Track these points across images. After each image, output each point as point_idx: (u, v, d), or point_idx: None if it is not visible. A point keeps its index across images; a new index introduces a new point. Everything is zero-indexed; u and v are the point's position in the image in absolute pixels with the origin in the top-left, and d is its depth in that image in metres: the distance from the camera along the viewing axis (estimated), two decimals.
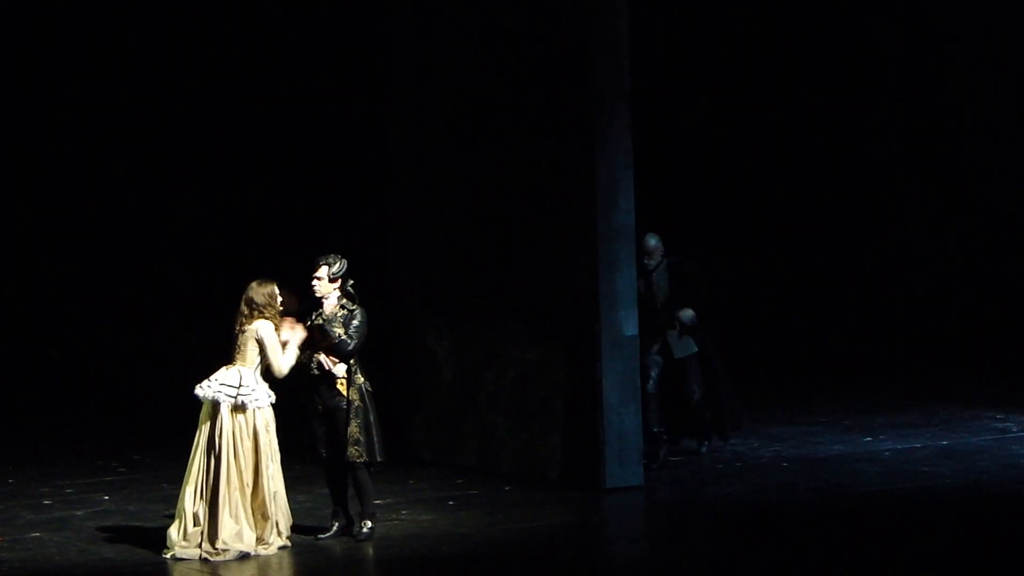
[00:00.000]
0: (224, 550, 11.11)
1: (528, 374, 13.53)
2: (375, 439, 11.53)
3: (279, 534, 11.31)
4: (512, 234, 13.72)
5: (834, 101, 20.26)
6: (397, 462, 12.74)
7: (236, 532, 11.14)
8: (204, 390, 11.26)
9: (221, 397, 11.20)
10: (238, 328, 11.28)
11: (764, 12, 19.93)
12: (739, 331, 19.05)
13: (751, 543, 11.51)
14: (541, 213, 13.45)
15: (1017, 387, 17.29)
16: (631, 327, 13.00)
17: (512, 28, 13.68)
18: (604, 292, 12.94)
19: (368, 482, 11.60)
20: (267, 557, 11.20)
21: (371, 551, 11.39)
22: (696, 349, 13.77)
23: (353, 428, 11.48)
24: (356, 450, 11.50)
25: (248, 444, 11.18)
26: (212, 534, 11.12)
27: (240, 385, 11.19)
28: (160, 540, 11.39)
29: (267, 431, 11.27)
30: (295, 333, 11.36)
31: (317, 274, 11.57)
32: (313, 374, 11.54)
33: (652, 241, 13.57)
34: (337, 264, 11.58)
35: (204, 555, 11.14)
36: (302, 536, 11.69)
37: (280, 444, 11.49)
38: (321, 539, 11.67)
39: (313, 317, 11.56)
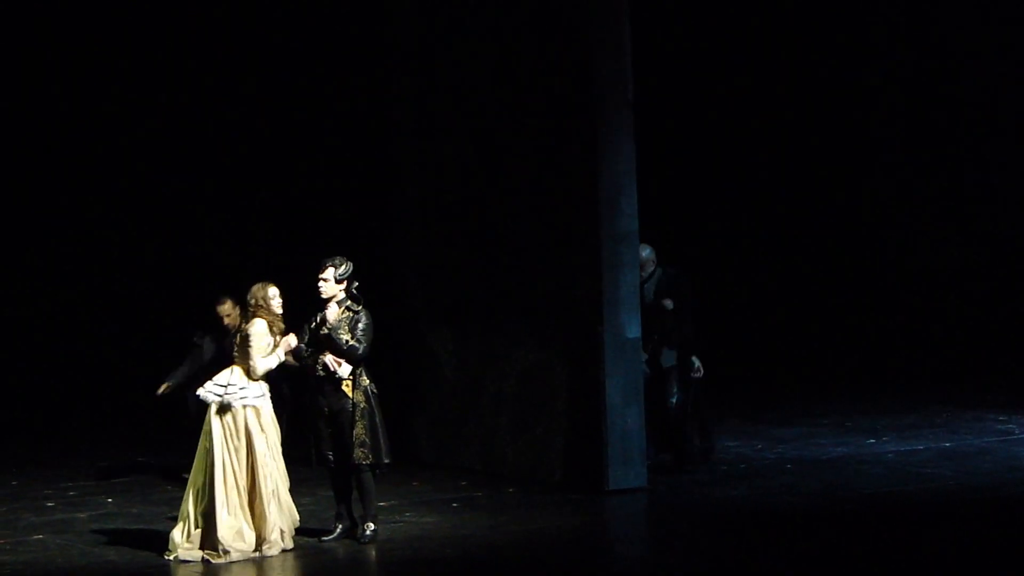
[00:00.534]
0: (225, 552, 11.10)
1: (531, 376, 13.53)
2: (381, 441, 11.53)
3: (281, 534, 11.29)
4: (516, 237, 13.72)
5: (838, 105, 20.26)
6: (400, 464, 12.72)
7: (235, 532, 11.12)
8: (201, 390, 11.31)
9: (211, 397, 11.23)
10: (239, 327, 11.36)
11: (765, 17, 19.93)
12: (742, 333, 19.08)
13: (755, 545, 11.50)
14: (544, 216, 13.45)
15: (1020, 389, 17.30)
16: (634, 329, 13.01)
17: (516, 34, 13.69)
18: (607, 295, 12.94)
19: (372, 484, 11.60)
20: (270, 559, 11.19)
21: (374, 553, 11.39)
22: (674, 363, 13.64)
23: (359, 430, 11.48)
24: (362, 452, 11.50)
25: (240, 443, 11.17)
26: (212, 536, 11.11)
27: (228, 384, 11.20)
28: (163, 542, 11.38)
29: (262, 430, 11.24)
30: (287, 340, 11.37)
31: (323, 275, 11.58)
32: (318, 376, 11.55)
33: (644, 252, 13.50)
34: (343, 266, 11.60)
35: (206, 557, 11.13)
36: (305, 538, 11.69)
37: (285, 446, 11.51)
38: (324, 541, 11.66)
39: (317, 318, 11.57)
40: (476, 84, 14.06)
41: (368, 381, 11.59)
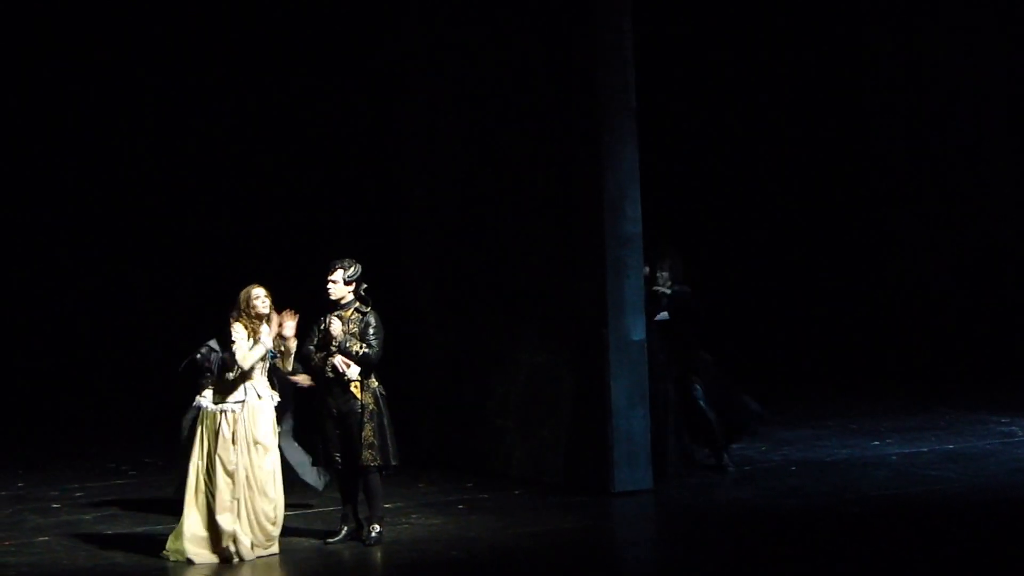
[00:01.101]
0: (215, 553, 11.11)
1: (537, 378, 13.55)
2: (389, 443, 11.54)
3: (264, 538, 11.24)
4: (521, 241, 13.74)
5: (841, 108, 20.27)
6: (407, 466, 12.74)
7: (197, 537, 11.11)
8: (198, 396, 11.34)
9: (203, 403, 11.23)
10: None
11: (768, 22, 19.94)
12: (747, 335, 19.06)
13: (760, 546, 11.50)
14: (549, 220, 13.47)
15: (1023, 391, 17.32)
16: (638, 332, 13.03)
17: (521, 39, 13.72)
18: (612, 298, 12.96)
19: (379, 486, 11.61)
20: (274, 561, 11.21)
21: (380, 555, 11.39)
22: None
23: (368, 432, 11.49)
24: (371, 454, 11.51)
25: (228, 446, 11.15)
26: (207, 538, 11.12)
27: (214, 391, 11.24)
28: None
29: (251, 433, 11.20)
30: (274, 323, 11.34)
31: (332, 277, 11.60)
32: (327, 377, 11.56)
33: (665, 273, 13.61)
34: (352, 268, 11.62)
35: (196, 559, 11.12)
36: (310, 540, 11.71)
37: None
38: (330, 543, 11.67)
39: (327, 320, 11.58)
40: (481, 88, 14.08)
41: (376, 383, 11.60)
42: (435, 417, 14.58)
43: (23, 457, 15.38)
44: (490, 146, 14.02)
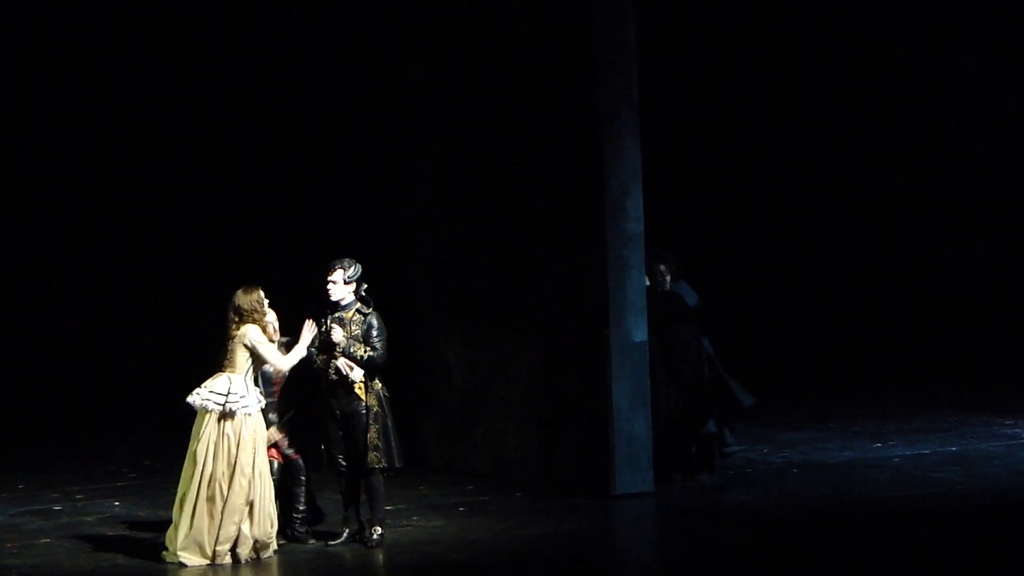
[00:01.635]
0: (204, 557, 11.08)
1: (538, 380, 13.52)
2: (393, 445, 11.53)
3: (255, 543, 11.22)
4: (523, 241, 13.71)
5: (842, 106, 20.25)
6: (408, 468, 12.71)
7: (193, 539, 11.07)
8: (195, 398, 11.25)
9: (210, 405, 11.18)
10: (228, 336, 11.26)
11: (772, 20, 19.92)
12: (749, 337, 19.03)
13: (761, 549, 11.47)
14: (552, 220, 13.44)
15: None
16: (640, 333, 12.99)
17: (523, 37, 13.69)
18: (614, 298, 12.93)
19: (381, 488, 11.59)
20: (275, 562, 11.20)
21: (381, 557, 11.37)
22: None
23: (372, 434, 11.48)
24: (375, 455, 11.50)
25: (232, 451, 11.14)
26: (186, 540, 11.09)
27: (228, 392, 11.17)
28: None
29: (253, 439, 11.20)
30: (307, 331, 11.35)
31: (331, 277, 11.57)
32: (331, 379, 11.54)
33: (661, 267, 13.55)
34: (352, 268, 11.59)
35: (188, 561, 11.10)
36: (312, 541, 11.70)
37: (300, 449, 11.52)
38: (332, 545, 11.64)
39: (327, 320, 11.55)
40: (484, 87, 14.05)
41: (380, 385, 11.59)
42: (436, 419, 14.55)
43: (24, 459, 15.38)
44: (491, 145, 13.99)
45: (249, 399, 11.23)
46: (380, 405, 11.51)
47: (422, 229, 14.76)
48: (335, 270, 11.57)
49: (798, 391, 18.28)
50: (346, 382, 11.48)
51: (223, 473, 11.11)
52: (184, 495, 11.19)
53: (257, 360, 11.25)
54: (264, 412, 11.44)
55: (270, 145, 17.98)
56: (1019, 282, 19.32)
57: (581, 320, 13.15)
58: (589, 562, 11.32)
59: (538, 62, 13.54)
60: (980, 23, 19.52)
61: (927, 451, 14.57)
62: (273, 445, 11.59)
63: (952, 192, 19.83)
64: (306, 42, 17.93)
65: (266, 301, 11.34)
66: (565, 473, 13.31)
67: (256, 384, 11.35)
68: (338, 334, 11.47)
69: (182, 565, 11.09)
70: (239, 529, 11.12)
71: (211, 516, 11.10)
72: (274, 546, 11.34)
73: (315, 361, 11.54)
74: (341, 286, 11.55)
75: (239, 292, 11.30)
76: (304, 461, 11.75)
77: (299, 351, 11.32)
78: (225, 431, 11.15)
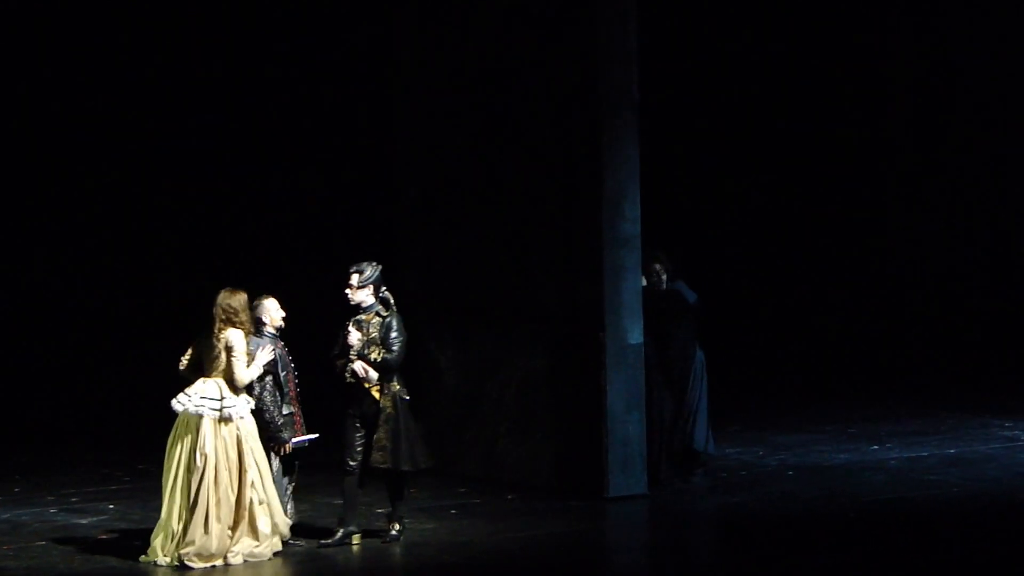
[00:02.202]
0: (210, 560, 11.07)
1: (532, 382, 13.49)
2: (403, 447, 11.54)
3: (262, 541, 11.22)
4: (518, 242, 13.68)
5: (845, 108, 20.21)
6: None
7: (204, 545, 11.06)
8: (184, 404, 11.22)
9: (204, 411, 11.15)
10: (214, 338, 11.23)
11: (773, 20, 19.89)
12: (745, 338, 19.01)
13: (756, 552, 11.43)
14: (547, 221, 13.41)
15: None
16: (636, 335, 12.96)
17: (519, 35, 13.65)
18: (609, 300, 12.90)
19: (402, 488, 11.69)
20: (265, 563, 11.19)
21: (372, 559, 11.36)
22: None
23: (380, 434, 11.52)
24: (380, 455, 11.53)
25: (233, 455, 11.15)
26: (192, 545, 11.06)
27: (223, 397, 11.17)
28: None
29: (248, 441, 11.20)
30: (266, 353, 11.33)
31: (350, 282, 11.64)
32: (348, 382, 11.58)
33: (656, 266, 13.53)
34: (368, 270, 11.63)
35: (188, 563, 11.08)
36: (311, 540, 11.72)
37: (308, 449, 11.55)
38: (323, 544, 11.63)
39: (349, 324, 11.60)
40: (479, 86, 14.01)
41: (399, 387, 11.62)
42: (427, 421, 14.51)
43: (20, 462, 15.35)
44: (485, 145, 13.95)
45: (240, 403, 11.22)
46: (394, 407, 11.54)
47: (415, 230, 14.72)
48: (351, 275, 11.64)
49: (794, 393, 18.24)
50: (362, 385, 11.51)
51: (227, 478, 11.09)
52: (180, 500, 11.15)
53: (225, 362, 11.17)
54: (281, 426, 11.39)
55: (260, 145, 17.95)
56: (1017, 284, 19.27)
57: (576, 322, 13.12)
58: (582, 565, 11.30)
59: (535, 58, 13.49)
60: (982, 24, 19.47)
61: (924, 453, 14.54)
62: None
63: (951, 193, 19.78)
64: (298, 42, 17.89)
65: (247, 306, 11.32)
66: (558, 475, 13.27)
67: (276, 399, 11.34)
68: (354, 337, 11.53)
69: (182, 568, 11.06)
70: (257, 528, 11.14)
71: (220, 523, 11.06)
72: (278, 544, 11.34)
73: (335, 365, 11.60)
74: (357, 290, 11.60)
75: (224, 293, 11.25)
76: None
77: (253, 371, 11.24)
78: (224, 435, 11.13)
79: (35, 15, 17.54)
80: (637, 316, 13.00)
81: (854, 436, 15.46)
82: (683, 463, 13.51)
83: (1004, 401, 16.93)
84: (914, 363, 19.29)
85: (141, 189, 17.93)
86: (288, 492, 11.70)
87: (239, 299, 11.24)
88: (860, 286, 20.15)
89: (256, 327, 11.49)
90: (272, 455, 11.48)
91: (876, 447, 14.90)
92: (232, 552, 11.14)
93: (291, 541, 11.58)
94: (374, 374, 11.50)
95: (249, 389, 11.32)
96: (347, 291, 11.61)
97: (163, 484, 11.29)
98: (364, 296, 11.60)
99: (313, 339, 12.54)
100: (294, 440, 11.54)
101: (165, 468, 11.29)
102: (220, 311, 11.21)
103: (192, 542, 11.06)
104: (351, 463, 11.61)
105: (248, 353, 11.22)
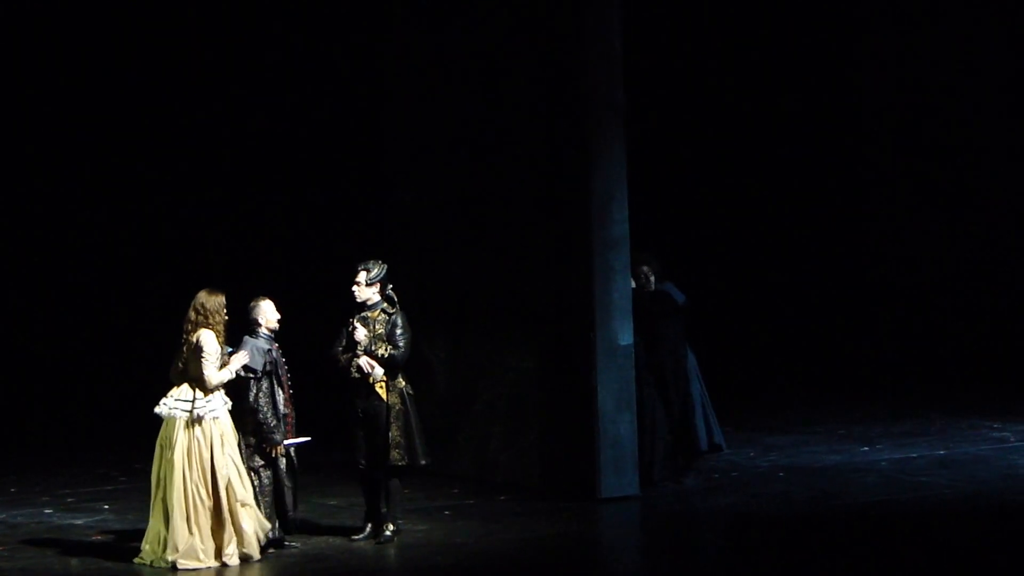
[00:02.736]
0: (186, 564, 11.07)
1: (523, 383, 13.50)
2: (417, 442, 11.63)
3: (243, 545, 11.23)
4: (508, 245, 13.68)
5: (834, 109, 20.21)
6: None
7: (193, 546, 11.07)
8: (162, 408, 11.24)
9: (177, 413, 11.17)
10: (184, 337, 11.23)
11: (761, 22, 19.89)
12: (735, 340, 19.00)
13: (747, 554, 11.45)
14: (536, 223, 13.41)
15: (1015, 396, 17.20)
16: (626, 336, 12.97)
17: (507, 38, 13.65)
18: (599, 301, 12.90)
19: (398, 487, 11.73)
20: (257, 564, 11.21)
21: (365, 560, 11.36)
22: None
23: (394, 432, 11.59)
24: (398, 453, 11.61)
25: (206, 455, 11.14)
26: (174, 548, 11.08)
27: (194, 399, 11.17)
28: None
29: (224, 442, 11.19)
30: (239, 356, 11.33)
31: (356, 279, 11.74)
32: (353, 378, 11.64)
33: (644, 268, 13.55)
34: (375, 269, 11.75)
35: (180, 567, 11.10)
36: (331, 538, 11.76)
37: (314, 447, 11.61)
38: (355, 540, 11.73)
39: (353, 322, 11.66)
40: (467, 88, 14.01)
41: (404, 383, 11.72)
42: (421, 422, 14.51)
43: (15, 463, 15.36)
44: (475, 147, 13.96)
45: (215, 403, 11.20)
46: (403, 403, 11.63)
47: (406, 232, 14.72)
48: (359, 272, 11.74)
49: (785, 394, 18.22)
50: (368, 381, 11.58)
51: (200, 479, 11.09)
52: (167, 503, 11.16)
53: (195, 363, 11.18)
54: (274, 428, 11.40)
55: (252, 149, 17.95)
56: (1006, 286, 19.28)
57: (566, 323, 13.12)
58: (574, 566, 11.31)
59: (523, 60, 13.48)
60: (970, 28, 19.48)
61: (914, 455, 14.52)
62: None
63: (941, 196, 19.78)
64: (289, 46, 17.89)
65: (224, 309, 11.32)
66: (550, 476, 13.28)
67: (269, 400, 11.37)
68: (360, 333, 11.61)
69: (174, 568, 11.07)
70: (241, 529, 11.13)
71: (199, 523, 11.08)
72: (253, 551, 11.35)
73: (339, 361, 11.65)
74: (364, 287, 11.71)
75: (203, 293, 11.26)
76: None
77: (224, 374, 11.23)
78: (196, 437, 11.13)
79: (31, 29, 17.57)
80: (627, 317, 13.00)
81: (845, 437, 15.44)
82: (682, 463, 13.50)
83: (993, 403, 16.89)
84: (904, 365, 19.24)
85: (137, 189, 17.93)
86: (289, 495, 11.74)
87: (215, 300, 11.23)
88: (850, 287, 20.12)
89: (252, 328, 11.53)
90: (272, 456, 11.48)
91: (867, 448, 14.88)
92: (227, 554, 11.16)
93: (286, 542, 11.62)
94: (380, 370, 11.59)
95: (248, 392, 11.34)
96: (354, 288, 11.71)
97: (151, 488, 11.31)
98: (371, 293, 11.72)
99: (311, 340, 12.60)
100: (286, 442, 11.58)
101: (152, 472, 11.31)
102: (193, 312, 11.23)
103: (177, 546, 11.07)
104: (363, 461, 11.69)
105: (222, 355, 11.19)
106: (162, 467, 11.21)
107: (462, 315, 14.11)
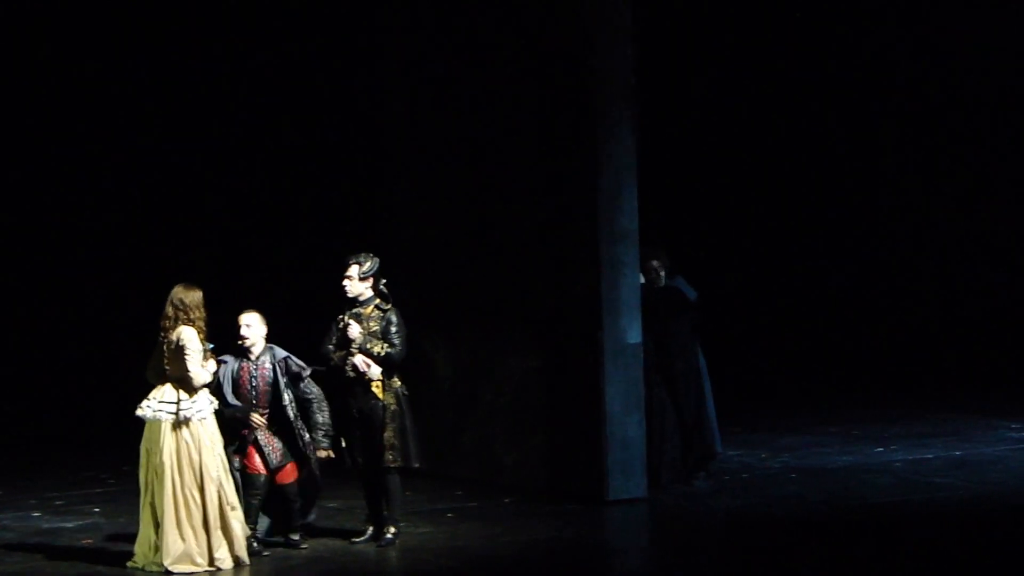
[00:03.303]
0: (180, 569, 10.90)
1: (529, 383, 13.36)
2: (410, 444, 11.48)
3: (234, 549, 11.06)
4: (512, 240, 13.55)
5: (845, 102, 20.25)
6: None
7: (186, 551, 10.92)
8: (144, 411, 10.99)
9: (162, 416, 10.93)
10: (163, 336, 10.97)
11: (772, 12, 19.87)
12: (747, 339, 19.00)
13: (758, 556, 11.33)
14: (543, 219, 13.27)
15: None
16: (634, 334, 12.80)
17: (512, 24, 13.52)
18: (607, 298, 12.75)
19: (397, 488, 11.56)
20: (257, 566, 11.08)
21: (368, 563, 11.27)
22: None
23: (389, 433, 11.44)
24: (391, 455, 11.45)
25: (195, 458, 10.96)
26: (167, 554, 10.91)
27: (179, 400, 10.92)
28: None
29: (212, 443, 11.01)
30: (213, 364, 11.13)
31: (348, 273, 11.47)
32: (348, 377, 11.42)
33: (654, 262, 13.33)
34: (368, 263, 11.49)
35: (173, 570, 10.94)
36: (334, 540, 11.67)
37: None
38: (355, 543, 11.59)
39: (344, 320, 11.42)
40: (470, 78, 13.90)
41: (399, 383, 11.53)
42: (423, 423, 14.33)
43: (3, 466, 15.34)
44: (478, 140, 13.82)
45: (200, 403, 10.98)
46: (398, 403, 11.47)
47: (406, 228, 14.62)
48: (351, 265, 11.48)
49: (797, 394, 18.28)
50: (363, 379, 11.37)
51: (192, 482, 10.92)
52: (156, 508, 10.97)
53: (177, 362, 10.90)
54: (236, 408, 11.25)
55: (250, 145, 17.92)
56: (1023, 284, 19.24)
57: (573, 321, 12.96)
58: (581, 569, 11.20)
59: (528, 48, 13.35)
60: (980, 26, 19.41)
61: (930, 455, 14.48)
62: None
63: (958, 194, 19.75)
64: (286, 41, 17.92)
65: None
66: (556, 478, 13.14)
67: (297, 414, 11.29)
68: (355, 330, 11.37)
69: (168, 573, 10.92)
70: (232, 532, 10.97)
71: (192, 527, 10.92)
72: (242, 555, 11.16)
73: (332, 359, 11.44)
74: (357, 282, 11.45)
75: (180, 288, 11.01)
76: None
77: (206, 374, 10.98)
78: (184, 438, 10.92)
79: (30, 29, 17.54)
80: (635, 315, 12.84)
81: (858, 438, 15.42)
82: (693, 465, 13.36)
83: (1011, 403, 16.89)
84: (919, 364, 19.29)
85: (132, 190, 18.01)
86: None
87: (194, 296, 10.99)
88: (865, 286, 20.21)
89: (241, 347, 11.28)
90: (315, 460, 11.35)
91: (881, 449, 14.85)
92: (218, 558, 10.99)
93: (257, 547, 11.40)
94: (376, 369, 11.38)
95: (244, 399, 11.22)
96: (345, 283, 11.45)
97: (140, 492, 11.15)
98: (363, 288, 11.46)
99: (311, 341, 12.38)
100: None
101: (139, 477, 11.12)
102: (171, 308, 10.96)
103: (169, 550, 10.91)
104: (360, 461, 11.54)
105: (205, 352, 10.97)
106: (148, 471, 11.03)
107: (464, 313, 13.99)
